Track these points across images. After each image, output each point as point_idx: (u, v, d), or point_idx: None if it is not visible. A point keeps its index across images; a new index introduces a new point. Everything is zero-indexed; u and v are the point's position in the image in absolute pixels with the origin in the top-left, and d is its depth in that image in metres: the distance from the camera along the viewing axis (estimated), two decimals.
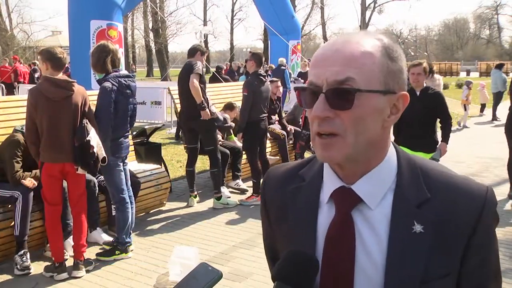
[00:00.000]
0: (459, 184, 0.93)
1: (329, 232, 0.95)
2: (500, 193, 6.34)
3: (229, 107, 6.98)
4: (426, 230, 0.90)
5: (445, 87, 20.20)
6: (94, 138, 3.79)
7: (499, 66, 14.48)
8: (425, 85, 4.63)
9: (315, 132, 0.91)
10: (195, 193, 5.96)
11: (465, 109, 12.99)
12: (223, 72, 14.71)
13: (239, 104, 7.05)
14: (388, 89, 0.90)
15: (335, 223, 0.94)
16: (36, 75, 16.68)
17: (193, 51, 5.70)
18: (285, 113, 8.76)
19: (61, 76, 3.83)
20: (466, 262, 0.92)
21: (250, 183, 6.19)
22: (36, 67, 17.87)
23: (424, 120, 4.54)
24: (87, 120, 3.84)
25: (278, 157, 7.39)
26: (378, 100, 0.89)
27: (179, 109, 6.20)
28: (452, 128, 5.00)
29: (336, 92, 0.87)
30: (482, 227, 0.91)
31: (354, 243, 0.92)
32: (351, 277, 0.92)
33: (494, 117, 13.81)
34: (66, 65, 4.12)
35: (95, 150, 3.76)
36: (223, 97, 7.56)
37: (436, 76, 9.19)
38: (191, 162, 5.89)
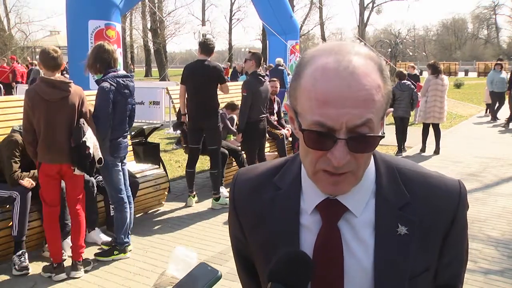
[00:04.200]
0: (435, 182, 0.96)
1: (317, 244, 0.94)
2: (499, 193, 6.35)
3: (231, 107, 6.94)
4: (410, 232, 0.92)
5: None
6: (90, 138, 3.78)
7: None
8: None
9: (323, 169, 0.86)
10: (194, 193, 5.95)
11: None
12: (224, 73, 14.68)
13: (238, 104, 7.06)
14: (386, 112, 0.89)
15: (323, 234, 0.94)
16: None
17: (212, 50, 5.71)
18: (284, 114, 8.75)
19: (58, 76, 3.82)
20: (445, 253, 0.96)
21: None
22: (33, 67, 17.83)
23: None
24: (83, 121, 3.83)
25: (276, 153, 7.37)
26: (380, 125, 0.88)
27: (178, 109, 6.18)
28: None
29: (361, 139, 0.83)
30: (459, 220, 0.96)
31: (342, 252, 0.93)
32: (340, 286, 0.93)
33: (494, 117, 13.85)
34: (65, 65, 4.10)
35: (91, 151, 3.75)
36: (221, 96, 7.55)
37: (444, 76, 9.04)
38: (191, 163, 5.82)
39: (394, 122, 9.07)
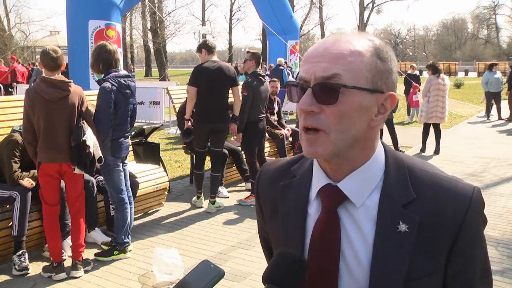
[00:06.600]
0: (445, 184, 0.94)
1: (315, 229, 0.97)
2: (499, 193, 6.35)
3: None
4: (411, 230, 0.91)
5: None
6: (90, 137, 3.78)
7: (491, 67, 14.41)
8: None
9: (302, 127, 0.93)
10: (202, 193, 5.90)
11: None
12: None
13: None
14: (376, 88, 0.91)
15: (321, 220, 0.96)
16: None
17: (215, 48, 5.67)
18: (283, 113, 8.75)
19: (58, 76, 3.82)
20: (452, 262, 0.92)
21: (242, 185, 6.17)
22: (35, 67, 17.85)
23: None
24: (83, 120, 3.83)
25: (274, 159, 7.39)
26: (365, 97, 0.90)
27: (178, 110, 6.16)
28: None
29: (322, 86, 0.89)
30: (467, 228, 0.91)
31: (339, 240, 0.94)
32: (335, 274, 0.94)
33: (488, 116, 13.94)
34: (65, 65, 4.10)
35: (91, 150, 3.75)
36: None
37: (444, 76, 9.00)
38: (200, 165, 5.77)
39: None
